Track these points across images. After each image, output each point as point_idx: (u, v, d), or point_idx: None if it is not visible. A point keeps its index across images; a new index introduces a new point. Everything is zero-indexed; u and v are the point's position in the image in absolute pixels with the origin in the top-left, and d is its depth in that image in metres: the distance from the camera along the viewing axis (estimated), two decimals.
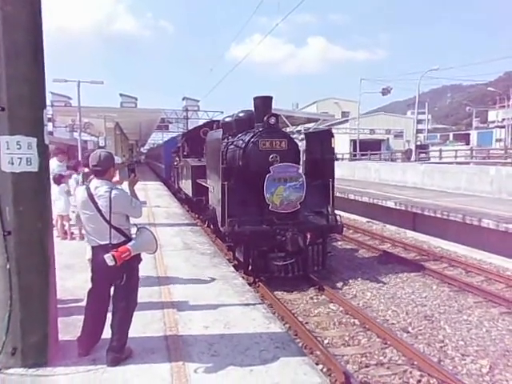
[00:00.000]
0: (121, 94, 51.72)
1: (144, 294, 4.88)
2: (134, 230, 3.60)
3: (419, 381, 4.44)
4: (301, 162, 8.20)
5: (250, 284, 6.63)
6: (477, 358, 4.91)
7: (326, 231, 7.75)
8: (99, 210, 3.38)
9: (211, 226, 9.87)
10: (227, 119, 10.25)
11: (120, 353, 3.54)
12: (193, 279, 5.96)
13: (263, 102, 7.97)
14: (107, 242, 3.39)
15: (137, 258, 3.56)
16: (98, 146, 25.54)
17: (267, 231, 7.04)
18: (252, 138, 7.56)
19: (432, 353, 5.07)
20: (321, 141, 8.45)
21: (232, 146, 8.32)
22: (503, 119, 49.07)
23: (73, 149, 26.89)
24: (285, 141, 7.56)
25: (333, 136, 8.10)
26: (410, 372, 4.60)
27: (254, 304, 5.00)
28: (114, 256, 3.25)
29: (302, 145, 9.60)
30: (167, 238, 8.67)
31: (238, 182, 7.34)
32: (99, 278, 3.54)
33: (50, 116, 35.62)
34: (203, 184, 9.91)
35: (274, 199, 7.15)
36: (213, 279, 5.97)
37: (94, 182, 3.48)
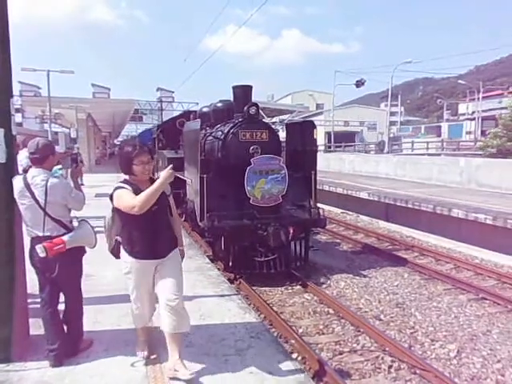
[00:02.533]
0: (93, 84, 50.67)
1: (119, 287, 4.83)
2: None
3: (390, 366, 4.55)
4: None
5: (231, 281, 6.56)
6: (445, 343, 5.07)
7: (308, 225, 7.58)
8: (36, 200, 3.23)
9: (189, 221, 9.72)
10: (205, 109, 9.99)
11: (77, 343, 3.53)
12: None
13: (243, 92, 7.72)
14: (43, 234, 3.26)
15: (79, 250, 3.44)
16: (70, 138, 24.96)
17: (248, 226, 6.80)
18: (231, 128, 7.30)
19: (403, 339, 5.21)
20: (302, 132, 8.22)
21: (210, 138, 8.02)
22: (473, 112, 50.35)
23: None
24: (266, 131, 7.32)
25: (315, 127, 7.91)
26: (382, 358, 4.72)
27: (229, 295, 5.02)
28: (45, 247, 3.14)
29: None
30: None
31: (217, 175, 7.04)
32: (39, 272, 3.40)
33: (18, 106, 34.52)
34: (180, 177, 9.70)
35: (255, 192, 6.92)
36: (188, 271, 5.94)
37: (32, 171, 3.32)
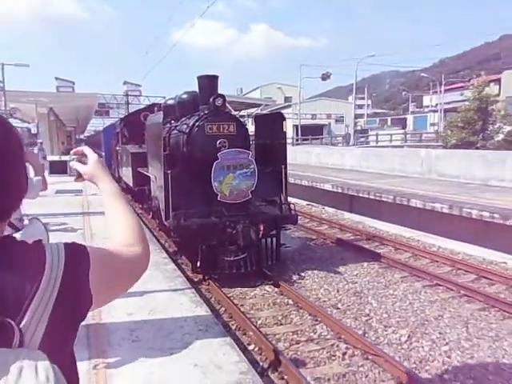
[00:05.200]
0: (56, 78, 49.11)
1: None
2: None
3: (344, 353, 4.63)
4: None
5: (199, 282, 6.44)
6: (397, 329, 5.19)
7: (279, 222, 7.27)
8: None
9: (156, 220, 9.13)
10: (169, 102, 9.60)
11: None
12: None
13: (209, 82, 7.31)
14: None
15: None
16: (30, 133, 24.19)
17: (216, 224, 6.49)
18: (197, 121, 6.87)
19: (358, 326, 5.30)
20: (271, 124, 7.96)
21: (175, 131, 7.68)
22: (436, 104, 51.60)
23: None
24: (233, 124, 6.93)
25: (284, 119, 7.69)
26: (337, 345, 4.80)
27: (182, 289, 4.98)
28: None
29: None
30: (100, 227, 8.38)
31: (182, 171, 6.70)
32: None
33: None
34: (145, 173, 9.22)
35: (222, 188, 6.59)
36: None
37: None
